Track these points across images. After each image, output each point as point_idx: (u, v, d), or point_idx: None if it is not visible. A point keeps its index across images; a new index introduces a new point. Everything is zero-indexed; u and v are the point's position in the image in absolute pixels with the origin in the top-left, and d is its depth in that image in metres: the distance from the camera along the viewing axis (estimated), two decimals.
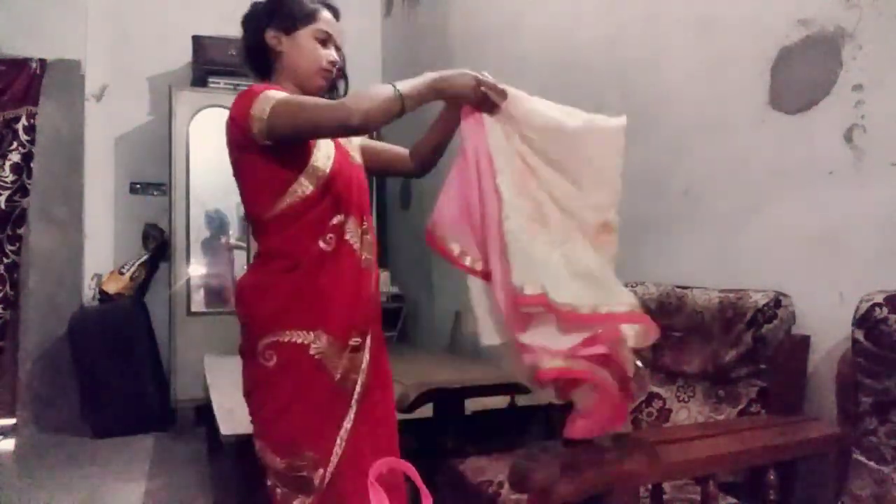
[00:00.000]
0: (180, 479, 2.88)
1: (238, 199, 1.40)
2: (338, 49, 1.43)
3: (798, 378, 1.43)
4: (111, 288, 3.68)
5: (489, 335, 1.22)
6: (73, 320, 3.56)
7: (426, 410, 1.92)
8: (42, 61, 3.67)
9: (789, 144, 1.54)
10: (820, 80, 1.46)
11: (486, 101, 1.26)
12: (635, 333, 1.12)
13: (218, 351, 3.15)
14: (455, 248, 1.28)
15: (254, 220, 1.37)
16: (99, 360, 3.50)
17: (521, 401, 2.14)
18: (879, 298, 1.19)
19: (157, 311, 3.85)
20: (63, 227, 3.78)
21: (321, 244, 1.32)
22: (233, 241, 4.12)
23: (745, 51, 1.65)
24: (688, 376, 1.65)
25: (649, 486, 1.18)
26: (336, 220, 1.35)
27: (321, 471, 1.28)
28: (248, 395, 1.36)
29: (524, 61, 2.66)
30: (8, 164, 3.58)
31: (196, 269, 3.85)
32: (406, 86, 1.24)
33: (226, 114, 1.33)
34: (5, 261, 3.60)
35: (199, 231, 3.94)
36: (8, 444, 3.50)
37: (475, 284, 1.25)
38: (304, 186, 1.31)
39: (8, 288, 3.61)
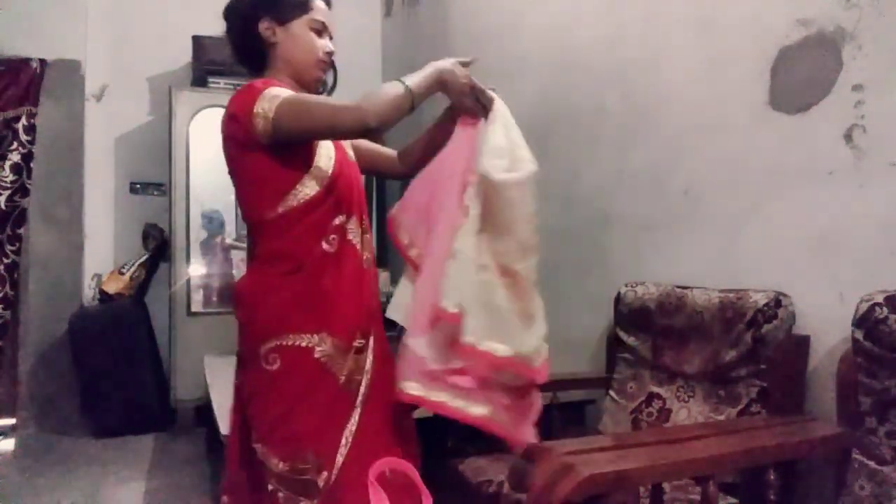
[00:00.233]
0: (180, 479, 2.87)
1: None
2: (330, 38, 1.40)
3: (798, 378, 1.43)
4: (111, 288, 3.67)
5: (395, 311, 1.37)
6: (73, 320, 3.55)
7: (426, 410, 1.91)
8: (42, 61, 3.67)
9: (789, 144, 1.54)
10: (820, 80, 1.46)
11: (477, 102, 1.33)
12: (510, 377, 1.24)
13: (218, 351, 3.14)
14: (405, 238, 1.40)
15: (253, 222, 1.33)
16: (99, 360, 3.49)
17: None
18: (879, 298, 1.19)
19: (157, 311, 3.84)
20: (63, 227, 3.77)
21: (324, 245, 1.30)
22: (229, 240, 4.11)
23: (745, 51, 1.65)
24: (688, 376, 1.65)
25: (649, 486, 1.18)
26: (338, 220, 1.32)
27: (325, 473, 1.24)
28: (249, 399, 1.31)
29: (524, 61, 2.66)
30: (8, 164, 3.57)
31: (196, 269, 3.84)
32: (413, 81, 1.25)
33: None
34: (5, 261, 3.59)
35: (199, 231, 3.94)
36: (8, 444, 3.49)
37: (410, 272, 1.39)
38: (310, 188, 1.28)
39: (8, 288, 3.60)
